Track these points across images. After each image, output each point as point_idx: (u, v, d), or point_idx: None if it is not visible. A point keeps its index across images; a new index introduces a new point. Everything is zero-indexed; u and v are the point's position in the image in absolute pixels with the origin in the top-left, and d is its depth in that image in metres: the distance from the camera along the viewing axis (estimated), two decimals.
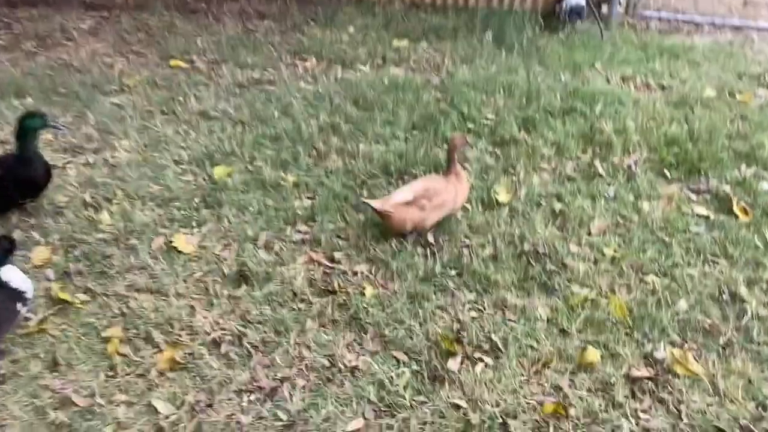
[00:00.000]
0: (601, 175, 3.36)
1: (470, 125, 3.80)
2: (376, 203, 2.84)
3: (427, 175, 3.13)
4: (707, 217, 3.07)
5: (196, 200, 3.23)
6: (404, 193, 2.89)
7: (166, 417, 2.18)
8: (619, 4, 5.33)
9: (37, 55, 4.93)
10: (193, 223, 3.07)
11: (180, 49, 4.98)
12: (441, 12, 5.50)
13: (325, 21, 5.39)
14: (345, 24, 5.33)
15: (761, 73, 4.46)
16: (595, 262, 2.80)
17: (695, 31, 5.30)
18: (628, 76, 4.39)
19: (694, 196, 3.22)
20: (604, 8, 5.25)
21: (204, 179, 3.40)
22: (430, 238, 2.93)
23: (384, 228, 2.93)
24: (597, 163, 3.45)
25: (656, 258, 2.81)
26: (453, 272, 2.76)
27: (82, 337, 2.48)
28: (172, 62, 4.77)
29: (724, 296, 2.61)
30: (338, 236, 2.99)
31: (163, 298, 2.67)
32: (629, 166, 3.39)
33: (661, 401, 2.22)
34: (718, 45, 5.01)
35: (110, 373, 2.34)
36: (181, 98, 4.24)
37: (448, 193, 2.93)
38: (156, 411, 2.20)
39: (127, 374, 2.34)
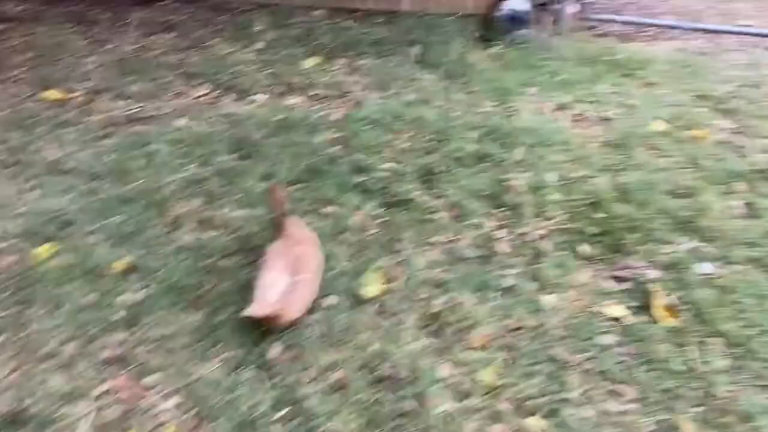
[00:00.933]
0: (502, 254, 2.71)
1: (361, 178, 3.16)
2: (259, 311, 2.29)
3: (271, 246, 2.54)
4: (618, 320, 2.40)
5: (6, 294, 2.65)
6: (279, 280, 2.39)
7: None
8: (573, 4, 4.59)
9: None
10: None
11: (61, 74, 4.34)
12: (369, 21, 4.77)
13: (234, 35, 4.70)
14: (255, 38, 4.64)
15: (727, 94, 3.69)
16: (466, 395, 2.17)
17: (658, 36, 4.55)
18: (566, 104, 3.68)
19: (614, 286, 2.55)
20: (552, 13, 4.49)
21: (26, 262, 2.81)
22: (275, 352, 2.33)
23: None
24: (501, 234, 2.80)
25: (545, 388, 2.17)
26: (283, 412, 2.16)
27: None
28: (46, 93, 4.14)
29: None
30: (162, 347, 2.40)
31: None
32: (536, 239, 2.74)
33: None
34: (683, 55, 4.25)
35: None
36: (40, 143, 3.63)
37: (315, 250, 2.55)
38: None
39: None
